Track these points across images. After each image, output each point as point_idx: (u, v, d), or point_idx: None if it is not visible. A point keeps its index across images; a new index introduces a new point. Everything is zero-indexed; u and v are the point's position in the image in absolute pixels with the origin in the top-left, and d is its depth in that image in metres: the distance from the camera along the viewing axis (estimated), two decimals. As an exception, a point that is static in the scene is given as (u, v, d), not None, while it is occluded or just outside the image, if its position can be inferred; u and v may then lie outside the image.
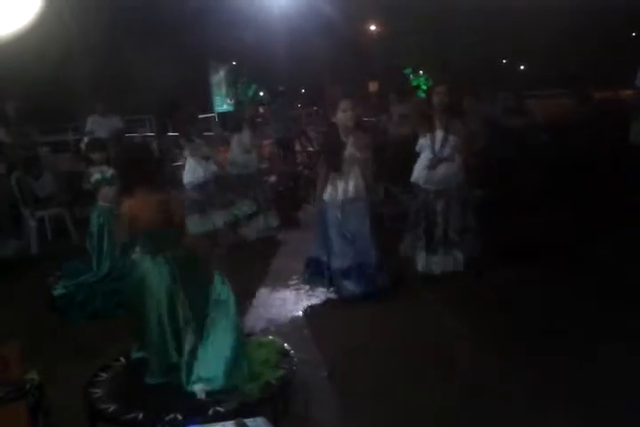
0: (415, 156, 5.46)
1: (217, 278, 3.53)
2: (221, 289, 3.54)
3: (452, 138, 5.24)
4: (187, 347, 3.39)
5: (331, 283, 5.22)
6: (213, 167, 6.88)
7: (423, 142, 5.35)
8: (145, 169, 3.41)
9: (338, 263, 5.12)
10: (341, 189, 5.05)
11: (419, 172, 5.40)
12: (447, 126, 5.24)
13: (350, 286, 5.10)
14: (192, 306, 3.43)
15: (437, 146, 5.25)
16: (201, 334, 3.43)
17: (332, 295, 5.24)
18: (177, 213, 3.46)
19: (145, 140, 7.08)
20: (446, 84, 5.36)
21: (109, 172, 5.44)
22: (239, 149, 7.14)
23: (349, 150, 5.00)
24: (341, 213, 5.08)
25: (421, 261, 5.47)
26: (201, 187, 6.78)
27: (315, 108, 15.52)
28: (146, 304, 3.45)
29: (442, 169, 5.27)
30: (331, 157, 5.06)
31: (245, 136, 7.16)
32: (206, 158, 6.83)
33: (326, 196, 5.14)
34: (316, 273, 5.28)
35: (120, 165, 3.68)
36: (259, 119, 8.01)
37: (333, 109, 4.99)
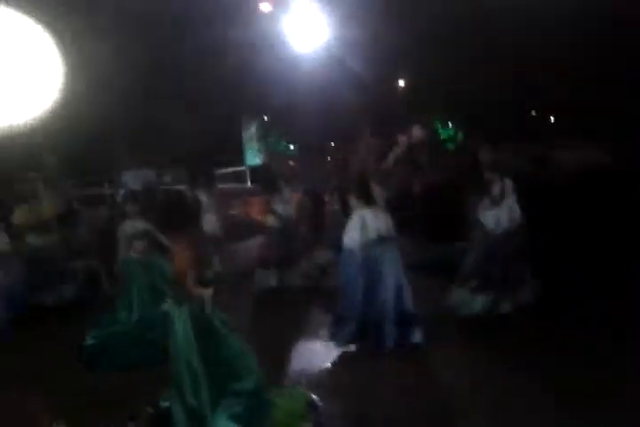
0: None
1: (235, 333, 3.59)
2: (239, 342, 3.58)
3: (507, 186, 5.43)
4: (206, 398, 3.39)
5: (360, 335, 5.08)
6: (208, 226, 6.93)
7: (485, 203, 5.51)
8: (181, 219, 3.52)
9: (366, 314, 5.01)
10: (372, 228, 4.98)
11: (488, 223, 5.51)
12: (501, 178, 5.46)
13: (380, 339, 4.98)
14: (210, 358, 3.45)
15: (497, 198, 5.45)
16: (222, 386, 3.43)
17: (362, 348, 5.13)
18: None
19: (181, 192, 7.24)
20: (492, 142, 5.57)
21: (142, 226, 5.56)
22: (281, 205, 7.30)
23: (375, 193, 5.04)
24: (370, 256, 5.00)
25: (476, 304, 5.46)
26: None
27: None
28: (172, 350, 3.49)
29: (505, 213, 5.45)
30: (359, 189, 5.06)
31: (286, 193, 7.35)
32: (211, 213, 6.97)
33: (349, 240, 5.08)
34: (342, 326, 5.14)
35: (160, 215, 3.80)
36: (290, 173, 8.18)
37: (362, 151, 5.09)
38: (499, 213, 5.48)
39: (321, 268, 7.52)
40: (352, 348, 5.16)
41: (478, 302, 5.43)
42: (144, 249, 5.57)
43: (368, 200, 5.00)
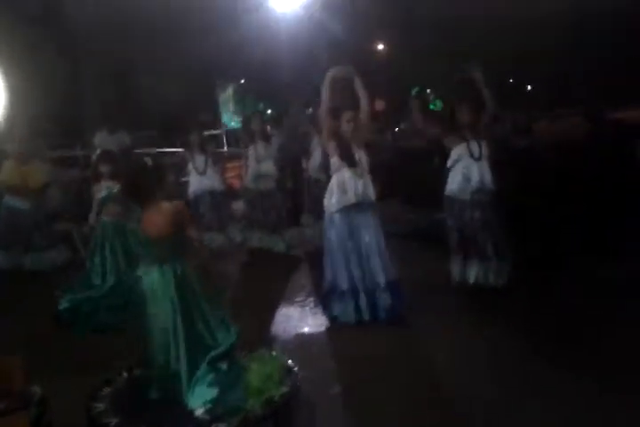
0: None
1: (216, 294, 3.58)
2: (217, 304, 3.58)
3: (484, 147, 5.36)
4: (183, 361, 3.40)
5: (355, 307, 4.97)
6: (208, 182, 6.90)
7: (459, 151, 5.40)
8: (150, 184, 3.48)
9: (341, 284, 4.96)
10: (351, 191, 4.92)
11: (456, 183, 5.43)
12: (477, 136, 5.39)
13: (373, 309, 4.93)
14: (191, 321, 3.45)
15: (476, 153, 5.35)
16: (199, 350, 3.44)
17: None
18: (184, 222, 3.49)
19: (144, 158, 7.14)
20: (471, 101, 5.50)
21: (115, 188, 5.46)
22: (254, 163, 7.17)
23: (356, 157, 4.98)
24: (351, 221, 4.98)
25: (459, 273, 5.47)
26: (194, 201, 6.84)
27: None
28: (149, 313, 3.47)
29: (477, 177, 5.34)
30: (343, 154, 4.99)
31: (260, 147, 7.18)
32: (202, 173, 6.89)
33: (329, 203, 5.03)
34: (338, 298, 5.01)
35: (129, 181, 3.73)
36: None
37: (337, 120, 5.02)
38: (473, 170, 5.35)
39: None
40: (353, 320, 4.99)
41: (472, 272, 5.42)
42: (118, 212, 5.48)
43: (351, 162, 4.97)
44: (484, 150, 5.38)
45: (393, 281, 4.98)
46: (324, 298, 5.12)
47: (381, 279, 4.94)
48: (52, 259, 7.17)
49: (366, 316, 4.93)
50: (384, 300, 4.93)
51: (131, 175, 3.67)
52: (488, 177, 5.37)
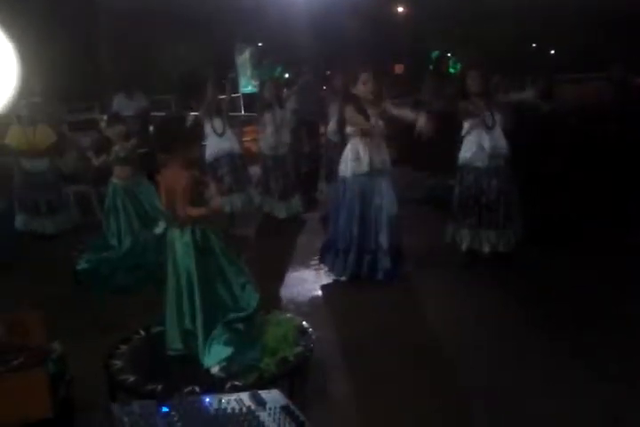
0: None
1: (237, 256, 3.62)
2: (240, 268, 3.60)
3: (497, 116, 5.23)
4: (199, 320, 3.44)
5: (356, 266, 5.12)
6: (227, 144, 6.87)
7: (476, 122, 5.24)
8: (183, 140, 3.45)
9: (361, 245, 5.07)
10: (365, 159, 4.96)
11: (470, 151, 5.31)
12: (489, 106, 5.23)
13: (374, 269, 5.06)
14: (210, 282, 3.49)
15: (489, 122, 5.21)
16: (216, 310, 3.49)
17: (353, 276, 5.17)
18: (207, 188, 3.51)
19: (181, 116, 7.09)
20: (480, 68, 5.34)
21: (123, 151, 5.49)
22: (271, 129, 7.12)
23: (372, 121, 4.96)
24: (363, 186, 5.01)
25: (469, 240, 5.36)
26: (212, 164, 6.79)
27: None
28: (168, 272, 3.51)
29: (491, 145, 5.21)
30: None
31: (276, 114, 7.13)
32: (220, 135, 6.83)
33: (343, 170, 5.07)
34: (338, 257, 5.19)
35: (159, 135, 3.71)
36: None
37: (354, 82, 4.96)
38: (486, 139, 5.21)
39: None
40: (342, 276, 5.22)
41: (486, 240, 5.31)
42: (129, 174, 5.54)
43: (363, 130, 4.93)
44: (497, 118, 5.23)
45: (395, 244, 5.07)
46: (321, 253, 5.30)
47: (383, 241, 5.01)
48: (63, 222, 7.17)
49: (360, 275, 5.07)
50: (383, 262, 5.03)
51: (165, 124, 3.66)
52: (502, 144, 5.24)
